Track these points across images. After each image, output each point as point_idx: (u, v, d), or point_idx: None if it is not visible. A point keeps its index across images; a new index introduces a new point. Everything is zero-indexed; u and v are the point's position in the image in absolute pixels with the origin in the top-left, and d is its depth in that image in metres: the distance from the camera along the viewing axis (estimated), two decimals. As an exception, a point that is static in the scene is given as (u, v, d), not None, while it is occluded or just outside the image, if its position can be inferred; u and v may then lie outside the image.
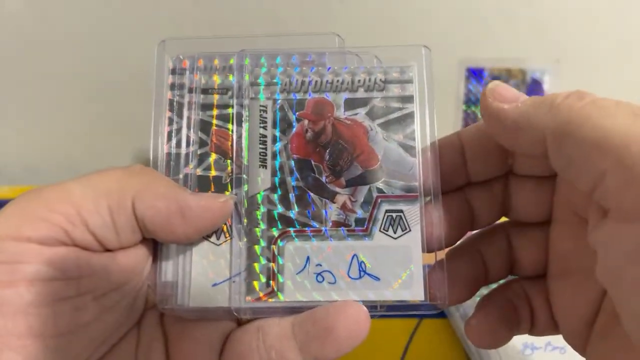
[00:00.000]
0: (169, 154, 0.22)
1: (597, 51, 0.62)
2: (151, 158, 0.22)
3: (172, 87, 0.23)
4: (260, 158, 0.22)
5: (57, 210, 0.19)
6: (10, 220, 0.19)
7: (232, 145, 0.22)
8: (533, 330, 0.23)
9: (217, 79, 0.23)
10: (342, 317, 0.20)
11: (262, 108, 0.23)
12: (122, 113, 0.66)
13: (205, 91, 0.23)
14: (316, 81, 0.23)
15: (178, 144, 0.22)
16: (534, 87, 0.51)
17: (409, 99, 0.23)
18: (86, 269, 0.19)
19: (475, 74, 0.52)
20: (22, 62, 0.64)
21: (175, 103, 0.23)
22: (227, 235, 0.22)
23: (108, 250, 0.20)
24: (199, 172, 0.22)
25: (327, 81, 0.23)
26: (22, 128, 0.68)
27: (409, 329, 0.37)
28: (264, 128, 0.23)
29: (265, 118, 0.23)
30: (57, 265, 0.18)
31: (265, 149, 0.22)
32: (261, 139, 0.23)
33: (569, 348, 0.32)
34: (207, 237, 0.22)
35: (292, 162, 0.22)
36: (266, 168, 0.22)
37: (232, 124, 0.22)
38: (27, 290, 0.18)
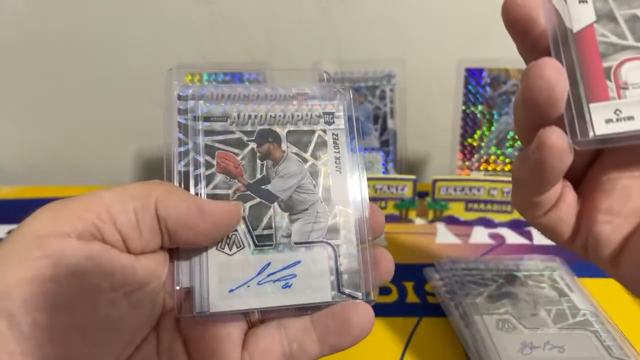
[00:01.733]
0: (180, 172, 0.25)
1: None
2: (165, 175, 0.24)
3: (180, 111, 0.26)
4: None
5: (90, 209, 0.21)
6: (49, 219, 0.20)
7: (236, 167, 0.26)
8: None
9: (216, 108, 0.26)
10: (355, 312, 0.23)
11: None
12: (123, 113, 0.66)
13: (207, 119, 0.26)
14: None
15: (188, 164, 0.25)
16: (532, 88, 0.51)
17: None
18: (117, 265, 0.21)
19: (474, 74, 0.52)
20: (23, 62, 0.64)
21: (183, 126, 0.25)
22: (239, 245, 0.24)
23: (131, 252, 0.22)
24: (208, 190, 0.25)
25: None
26: (23, 128, 0.68)
27: (408, 328, 0.37)
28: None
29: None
30: (94, 259, 0.20)
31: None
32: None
33: (567, 346, 0.32)
34: (220, 249, 0.24)
35: None
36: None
37: (234, 147, 0.26)
38: (69, 283, 0.19)
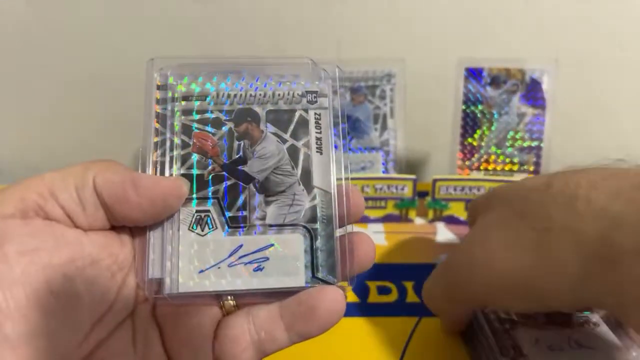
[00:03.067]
0: (155, 162, 0.24)
1: (596, 51, 0.62)
2: (140, 166, 0.24)
3: (159, 101, 0.25)
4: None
5: (31, 189, 0.21)
6: None
7: (213, 146, 0.25)
8: None
9: (195, 87, 0.26)
10: (323, 297, 0.23)
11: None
12: (123, 113, 0.66)
13: (186, 98, 0.25)
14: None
15: (164, 153, 0.25)
16: (533, 87, 0.51)
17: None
18: (62, 239, 0.21)
19: (474, 73, 0.52)
20: (23, 62, 0.64)
21: (161, 115, 0.25)
22: (212, 226, 0.24)
23: (79, 228, 0.22)
24: (182, 171, 0.25)
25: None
26: (23, 128, 0.68)
27: (408, 328, 0.37)
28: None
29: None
30: (39, 236, 0.21)
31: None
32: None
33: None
34: (192, 229, 0.24)
35: None
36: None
37: (212, 127, 0.25)
38: (17, 262, 0.20)
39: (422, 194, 0.53)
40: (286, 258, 0.24)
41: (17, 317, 0.19)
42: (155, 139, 0.25)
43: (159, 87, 0.25)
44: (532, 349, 0.32)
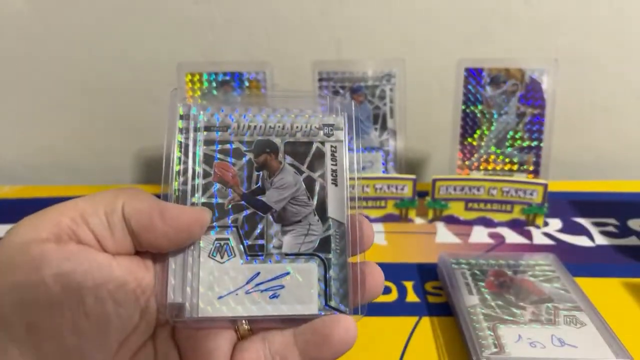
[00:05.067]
0: (178, 190, 0.25)
1: (595, 51, 0.62)
2: (161, 194, 0.25)
3: (181, 131, 0.26)
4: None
5: (65, 214, 0.22)
6: (30, 227, 0.22)
7: (233, 177, 0.26)
8: None
9: (217, 118, 0.26)
10: (336, 326, 0.24)
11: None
12: (123, 113, 0.66)
13: (208, 128, 0.26)
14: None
15: (185, 182, 0.25)
16: (532, 87, 0.51)
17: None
18: (94, 263, 0.22)
19: (474, 73, 0.52)
20: (23, 63, 0.64)
21: (183, 145, 0.26)
22: (230, 254, 0.25)
23: (107, 252, 0.23)
24: (203, 199, 0.25)
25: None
26: (23, 128, 0.68)
27: (408, 328, 0.37)
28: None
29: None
30: (73, 259, 0.21)
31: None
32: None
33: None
34: (212, 257, 0.25)
35: None
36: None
37: (232, 157, 0.26)
38: (54, 283, 0.21)
39: (422, 194, 0.53)
40: (300, 286, 0.25)
41: (54, 338, 0.21)
42: (177, 168, 0.25)
43: (181, 117, 0.26)
44: (514, 345, 0.32)
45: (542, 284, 0.39)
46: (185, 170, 0.25)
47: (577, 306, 0.36)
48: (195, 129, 0.26)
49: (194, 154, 0.26)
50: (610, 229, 0.52)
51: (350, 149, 0.26)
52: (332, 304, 0.25)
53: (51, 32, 0.62)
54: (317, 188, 0.26)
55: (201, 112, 0.26)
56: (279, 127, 0.26)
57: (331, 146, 0.26)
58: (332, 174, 0.26)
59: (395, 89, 0.55)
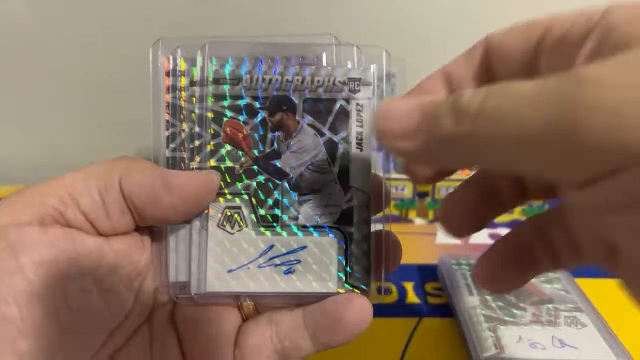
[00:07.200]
0: (168, 158, 0.22)
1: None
2: (152, 162, 0.23)
3: (170, 89, 0.23)
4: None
5: (50, 194, 0.20)
6: (9, 209, 0.19)
7: (245, 138, 0.22)
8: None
9: (227, 69, 0.23)
10: (348, 308, 0.21)
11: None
12: (124, 113, 0.66)
13: (217, 81, 0.23)
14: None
15: (176, 149, 0.22)
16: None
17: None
18: (82, 249, 0.20)
19: (474, 74, 0.52)
20: (24, 63, 0.64)
21: (171, 106, 0.23)
22: (242, 224, 0.22)
23: (101, 234, 0.21)
24: (212, 162, 0.22)
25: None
26: (24, 128, 0.68)
27: (408, 329, 0.37)
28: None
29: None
30: (58, 245, 0.19)
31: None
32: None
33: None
34: (222, 227, 0.22)
35: None
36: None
37: (244, 115, 0.23)
38: (36, 274, 0.18)
39: (422, 195, 0.53)
40: (318, 262, 0.22)
41: (33, 333, 0.18)
42: (167, 133, 0.22)
43: (167, 74, 0.23)
44: (515, 346, 0.32)
45: (543, 285, 0.38)
46: (175, 136, 0.22)
47: (577, 307, 0.36)
48: (192, 84, 0.22)
49: (192, 112, 0.22)
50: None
51: None
52: (352, 282, 0.22)
53: (52, 32, 0.62)
54: (339, 153, 0.23)
55: (208, 62, 0.23)
56: (297, 80, 0.22)
57: (357, 105, 0.23)
58: (357, 137, 0.23)
59: (395, 89, 0.54)
